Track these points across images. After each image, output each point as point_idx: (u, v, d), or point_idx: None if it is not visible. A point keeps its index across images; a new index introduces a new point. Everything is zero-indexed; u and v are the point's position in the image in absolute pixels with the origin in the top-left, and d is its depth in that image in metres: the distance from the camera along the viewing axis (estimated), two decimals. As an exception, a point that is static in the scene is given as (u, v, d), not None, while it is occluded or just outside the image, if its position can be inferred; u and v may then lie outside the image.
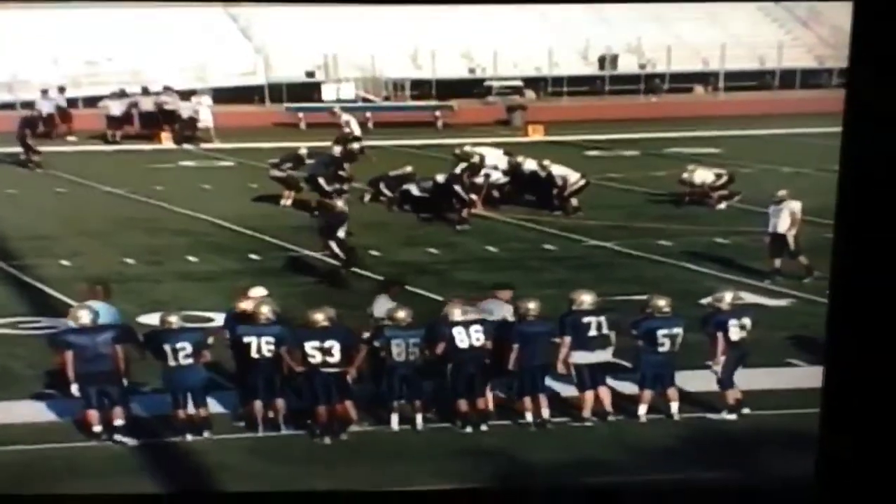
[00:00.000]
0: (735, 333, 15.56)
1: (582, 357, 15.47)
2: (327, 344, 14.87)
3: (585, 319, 15.47)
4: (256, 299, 15.77)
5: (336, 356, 14.89)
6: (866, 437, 5.98)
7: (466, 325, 15.32)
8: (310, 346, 14.89)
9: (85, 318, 15.11)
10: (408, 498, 12.82)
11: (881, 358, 5.79)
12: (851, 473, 6.07)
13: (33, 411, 15.71)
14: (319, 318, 15.06)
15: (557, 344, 15.50)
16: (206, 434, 14.98)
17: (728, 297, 16.00)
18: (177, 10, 53.18)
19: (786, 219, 21.87)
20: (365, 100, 50.38)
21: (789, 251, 21.90)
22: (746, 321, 15.68)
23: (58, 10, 51.67)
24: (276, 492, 13.47)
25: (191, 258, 24.14)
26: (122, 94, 42.84)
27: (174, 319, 15.27)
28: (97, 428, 14.83)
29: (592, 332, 15.47)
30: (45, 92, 42.91)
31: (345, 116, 38.88)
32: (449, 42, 53.43)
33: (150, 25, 51.09)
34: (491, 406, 15.51)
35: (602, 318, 15.53)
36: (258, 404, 15.17)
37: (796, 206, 22.04)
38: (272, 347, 15.04)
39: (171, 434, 14.96)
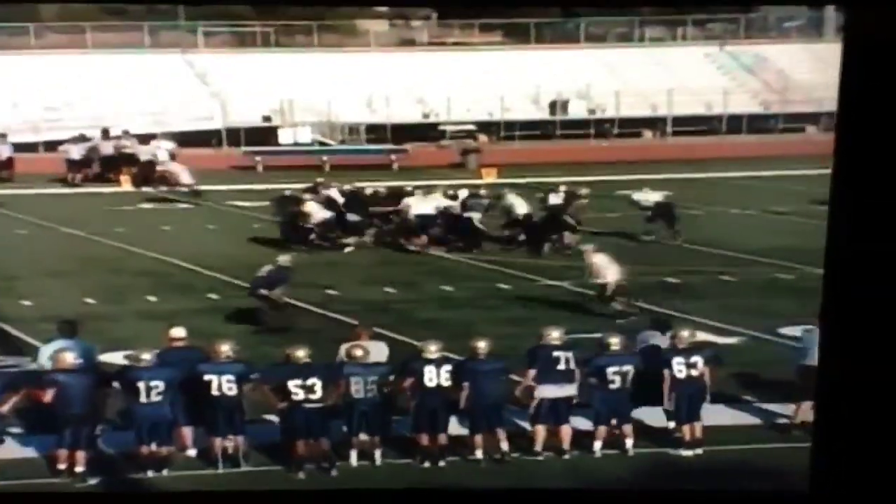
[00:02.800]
0: (681, 371, 15.92)
1: (549, 391, 15.78)
2: (309, 381, 15.18)
3: (555, 354, 15.78)
4: (178, 339, 16.15)
5: (318, 392, 15.19)
6: (860, 455, 6.23)
7: (438, 363, 15.66)
8: (292, 384, 15.16)
9: (69, 359, 15.34)
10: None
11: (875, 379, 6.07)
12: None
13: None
14: (300, 354, 15.38)
15: (513, 380, 15.81)
16: (165, 472, 15.19)
17: (684, 334, 16.35)
18: (135, 56, 53.59)
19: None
20: (321, 143, 50.73)
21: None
22: (697, 359, 15.95)
23: (18, 57, 51.94)
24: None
25: (151, 298, 24.39)
26: (82, 139, 43.09)
27: (147, 357, 15.48)
28: (62, 466, 15.00)
29: (561, 367, 15.78)
30: (3, 136, 43.07)
31: None
32: (403, 87, 53.92)
33: (110, 71, 51.42)
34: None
35: (570, 354, 15.84)
36: (218, 440, 15.45)
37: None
38: (233, 385, 15.31)
39: (133, 471, 15.13)
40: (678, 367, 15.90)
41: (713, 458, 15.56)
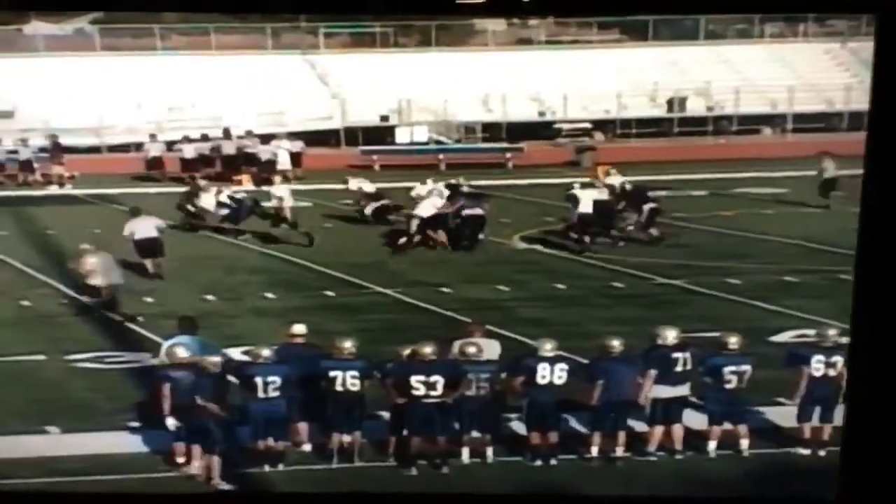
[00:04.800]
0: (818, 370, 15.72)
1: (663, 392, 15.76)
2: (433, 378, 15.33)
3: (674, 355, 15.73)
4: (298, 335, 16.33)
5: (439, 389, 15.34)
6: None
7: (553, 361, 15.70)
8: (415, 380, 15.32)
9: (181, 353, 15.67)
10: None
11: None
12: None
13: (114, 443, 16.13)
14: (427, 351, 15.53)
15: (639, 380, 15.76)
16: (280, 466, 15.45)
17: (830, 333, 16.01)
18: (258, 58, 54.22)
19: None
20: (437, 142, 50.95)
21: None
22: (837, 359, 15.65)
23: (144, 58, 52.89)
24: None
25: (269, 294, 24.73)
26: (204, 139, 43.81)
27: (266, 353, 15.73)
28: (181, 460, 15.33)
29: (678, 368, 15.74)
30: (153, 136, 43.91)
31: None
32: (520, 86, 53.93)
33: (232, 72, 52.11)
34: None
35: (687, 354, 15.78)
36: (336, 436, 15.65)
37: None
38: (357, 381, 15.50)
39: (249, 465, 15.38)
40: (817, 365, 15.77)
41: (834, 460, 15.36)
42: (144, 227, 26.37)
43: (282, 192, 30.92)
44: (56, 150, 42.95)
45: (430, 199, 30.10)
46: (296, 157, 43.16)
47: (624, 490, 14.88)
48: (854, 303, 5.91)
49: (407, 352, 15.64)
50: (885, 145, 5.88)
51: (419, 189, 31.12)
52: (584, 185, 30.60)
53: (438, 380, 15.28)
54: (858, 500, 6.22)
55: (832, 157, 34.87)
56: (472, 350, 15.75)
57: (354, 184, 33.74)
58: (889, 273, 5.92)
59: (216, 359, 15.40)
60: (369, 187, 33.56)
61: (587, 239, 29.17)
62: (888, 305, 5.94)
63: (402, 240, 29.42)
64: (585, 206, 29.25)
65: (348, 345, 15.68)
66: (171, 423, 15.31)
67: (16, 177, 42.07)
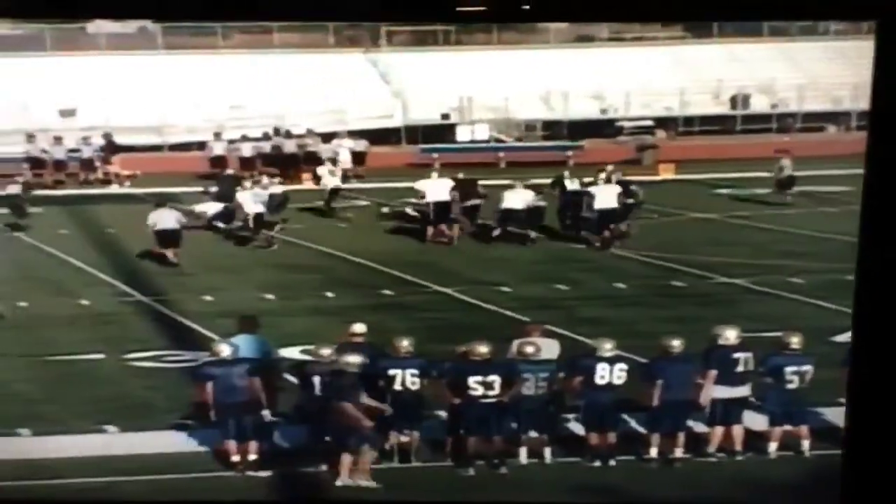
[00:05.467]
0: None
1: (723, 392, 15.61)
2: (490, 378, 15.25)
3: (734, 356, 15.60)
4: (358, 334, 16.24)
5: (496, 389, 15.25)
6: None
7: (612, 361, 15.57)
8: (473, 380, 15.25)
9: (225, 351, 15.66)
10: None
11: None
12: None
13: (171, 442, 16.17)
14: (483, 350, 15.43)
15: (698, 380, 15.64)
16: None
17: None
18: (320, 56, 54.30)
19: None
20: (498, 140, 50.82)
21: None
22: None
23: (206, 56, 53.14)
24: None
25: (328, 294, 24.71)
26: (265, 137, 43.90)
27: (327, 352, 15.69)
28: (235, 458, 15.35)
29: (740, 368, 15.61)
30: (217, 135, 44.06)
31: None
32: (581, 83, 53.68)
33: (294, 71, 52.23)
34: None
35: (748, 355, 15.66)
36: (394, 435, 15.60)
37: None
38: (416, 380, 15.45)
39: (307, 465, 15.38)
40: None
41: None
42: (166, 219, 27.60)
43: (245, 197, 30.57)
44: (110, 149, 43.16)
45: (517, 193, 30.04)
46: (359, 156, 43.14)
47: (683, 492, 14.73)
48: (855, 304, 5.83)
49: (461, 350, 15.54)
50: (884, 148, 5.76)
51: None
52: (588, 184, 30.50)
53: (496, 379, 15.19)
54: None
55: (790, 156, 36.41)
56: (530, 350, 15.66)
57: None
58: (890, 273, 5.82)
59: (356, 359, 15.27)
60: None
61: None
62: (890, 306, 5.84)
63: (496, 232, 29.60)
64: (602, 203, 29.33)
65: (406, 343, 15.63)
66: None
67: (77, 175, 42.28)
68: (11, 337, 21.56)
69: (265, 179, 32.48)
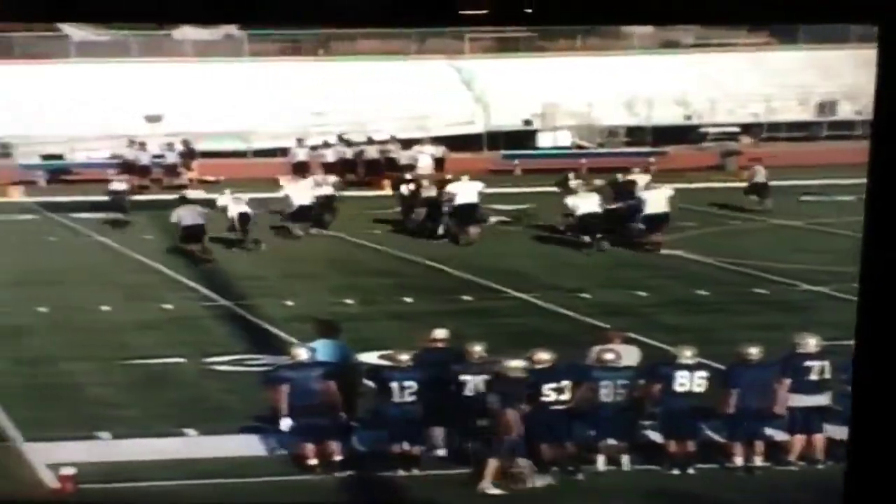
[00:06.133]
0: None
1: (801, 400, 15.42)
2: (562, 384, 15.17)
3: (808, 363, 15.42)
4: (440, 340, 16.19)
5: (566, 394, 15.18)
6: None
7: (693, 368, 15.43)
8: (546, 387, 15.14)
9: (302, 354, 15.71)
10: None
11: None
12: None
13: (249, 445, 16.24)
14: (545, 357, 15.29)
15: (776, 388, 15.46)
16: (415, 471, 15.39)
17: None
18: (402, 63, 54.40)
19: None
20: (579, 147, 50.64)
21: None
22: None
23: (290, 63, 53.48)
24: None
25: (406, 299, 24.73)
26: (347, 143, 44.11)
27: (405, 357, 15.68)
28: (312, 461, 15.36)
29: (814, 377, 15.41)
30: (300, 141, 44.28)
31: None
32: (665, 89, 53.34)
33: (377, 78, 52.36)
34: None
35: (825, 363, 15.45)
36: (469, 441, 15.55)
37: None
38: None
39: (384, 469, 15.38)
40: None
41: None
42: (191, 215, 28.64)
43: (225, 201, 30.72)
44: (189, 155, 43.56)
45: (587, 196, 30.06)
46: (439, 162, 43.18)
47: (764, 500, 14.56)
48: (858, 313, 5.70)
49: (528, 357, 15.42)
50: (888, 154, 5.68)
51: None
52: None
53: (566, 385, 15.09)
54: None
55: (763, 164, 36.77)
56: (610, 356, 15.56)
57: None
58: (892, 281, 5.70)
59: (518, 363, 15.23)
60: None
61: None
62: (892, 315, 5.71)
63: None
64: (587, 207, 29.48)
65: (478, 349, 15.57)
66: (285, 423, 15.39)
67: (160, 181, 42.63)
68: (93, 340, 21.79)
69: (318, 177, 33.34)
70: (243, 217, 29.89)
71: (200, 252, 28.23)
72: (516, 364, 15.07)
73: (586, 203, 29.54)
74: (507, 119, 52.22)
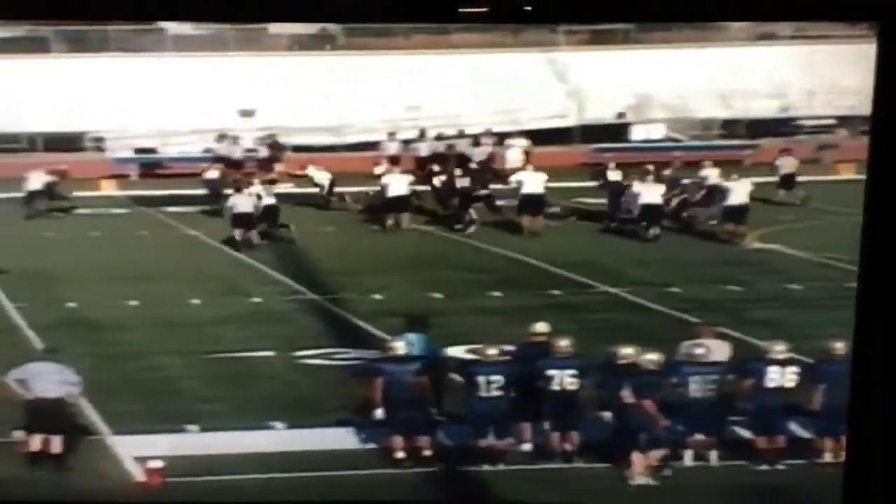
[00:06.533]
0: None
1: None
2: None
3: None
4: (540, 334, 16.09)
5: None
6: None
7: (784, 363, 15.30)
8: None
9: (400, 348, 15.76)
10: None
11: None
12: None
13: (337, 438, 16.30)
14: (629, 352, 15.30)
15: None
16: (501, 465, 15.38)
17: None
18: (497, 55, 54.27)
19: None
20: (672, 139, 50.23)
21: None
22: None
23: (383, 56, 53.57)
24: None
25: (495, 293, 24.65)
26: (438, 138, 44.07)
27: (493, 352, 15.65)
28: (400, 455, 15.40)
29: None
30: (392, 135, 44.32)
31: None
32: (761, 81, 52.74)
33: (471, 71, 52.28)
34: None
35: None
36: (555, 436, 15.49)
37: None
38: (574, 380, 15.32)
39: (470, 463, 15.39)
40: None
41: None
42: (244, 203, 29.80)
43: (257, 190, 31.19)
44: (275, 150, 43.81)
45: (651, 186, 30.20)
46: (526, 155, 42.92)
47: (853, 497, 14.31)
48: (857, 313, 5.61)
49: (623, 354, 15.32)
50: (887, 151, 5.54)
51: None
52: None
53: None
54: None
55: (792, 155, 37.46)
56: (699, 351, 15.51)
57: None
58: (892, 281, 5.60)
59: (655, 357, 15.28)
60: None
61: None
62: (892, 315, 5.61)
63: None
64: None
65: (565, 343, 15.51)
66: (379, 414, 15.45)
67: (253, 174, 42.76)
68: (182, 334, 21.97)
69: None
70: (270, 210, 30.53)
71: (243, 237, 29.23)
72: (652, 357, 15.11)
73: (650, 193, 29.71)
74: (601, 112, 51.95)
